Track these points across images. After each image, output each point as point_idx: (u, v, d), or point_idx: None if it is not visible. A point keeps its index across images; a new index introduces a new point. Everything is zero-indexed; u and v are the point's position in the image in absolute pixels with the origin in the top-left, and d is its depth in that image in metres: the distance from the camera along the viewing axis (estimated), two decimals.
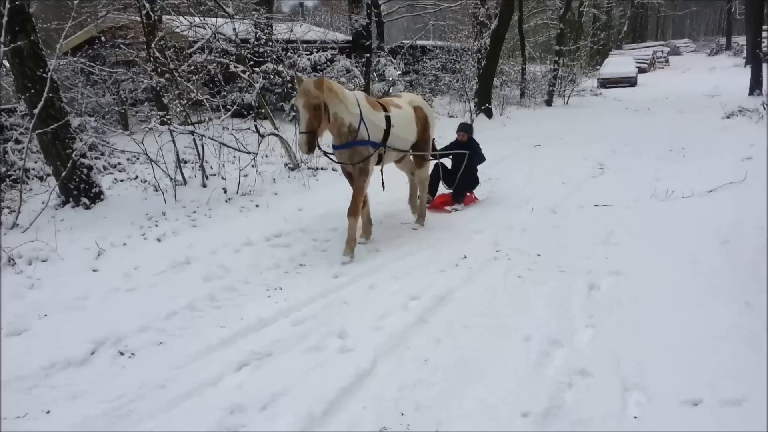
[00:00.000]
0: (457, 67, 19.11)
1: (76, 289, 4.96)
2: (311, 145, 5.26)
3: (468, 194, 7.87)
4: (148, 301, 4.70)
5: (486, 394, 3.33)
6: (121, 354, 3.96)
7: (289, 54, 13.51)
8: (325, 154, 6.07)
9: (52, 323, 4.41)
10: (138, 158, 10.80)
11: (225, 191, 7.94)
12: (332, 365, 3.67)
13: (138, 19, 11.60)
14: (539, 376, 3.50)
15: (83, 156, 7.63)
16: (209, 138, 8.07)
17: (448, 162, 8.14)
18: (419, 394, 3.36)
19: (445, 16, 25.40)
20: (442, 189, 8.03)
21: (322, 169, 9.72)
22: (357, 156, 5.72)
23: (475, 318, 4.29)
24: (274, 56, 11.46)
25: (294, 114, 12.54)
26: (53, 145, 7.39)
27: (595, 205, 7.39)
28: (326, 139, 6.04)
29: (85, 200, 7.52)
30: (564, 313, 4.34)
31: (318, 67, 14.07)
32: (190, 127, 8.11)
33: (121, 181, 9.65)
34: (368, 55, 17.49)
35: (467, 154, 7.66)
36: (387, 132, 5.97)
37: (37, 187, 8.80)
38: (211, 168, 9.07)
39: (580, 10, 27.03)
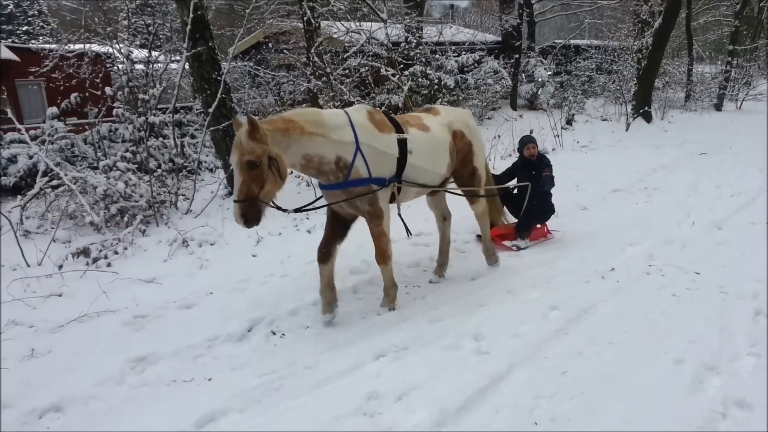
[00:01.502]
0: (614, 67, 18.09)
1: (239, 272, 5.49)
2: (249, 217, 3.78)
3: (538, 227, 6.41)
4: (298, 288, 5.06)
5: (629, 414, 3.16)
6: (273, 334, 4.33)
7: (436, 56, 13.69)
8: (298, 210, 4.53)
9: (217, 300, 4.92)
10: None
11: None
12: (467, 365, 3.70)
13: (300, 25, 12.47)
14: (690, 402, 3.25)
15: None
16: None
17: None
18: (556, 405, 3.27)
19: (603, 14, 24.12)
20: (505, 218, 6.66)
21: None
22: (357, 200, 4.25)
23: (622, 334, 4.07)
24: (423, 59, 11.68)
25: None
26: (224, 141, 8.20)
27: None
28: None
29: None
30: (723, 338, 3.96)
31: (465, 69, 14.08)
32: None
33: None
34: (517, 55, 17.17)
35: (535, 177, 6.15)
36: (402, 160, 4.40)
37: (207, 178, 9.84)
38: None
39: (761, 5, 24.18)
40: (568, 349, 3.88)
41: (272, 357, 3.97)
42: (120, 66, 9.51)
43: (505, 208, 6.56)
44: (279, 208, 4.18)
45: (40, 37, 31.31)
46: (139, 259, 6.08)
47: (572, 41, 21.63)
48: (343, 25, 11.56)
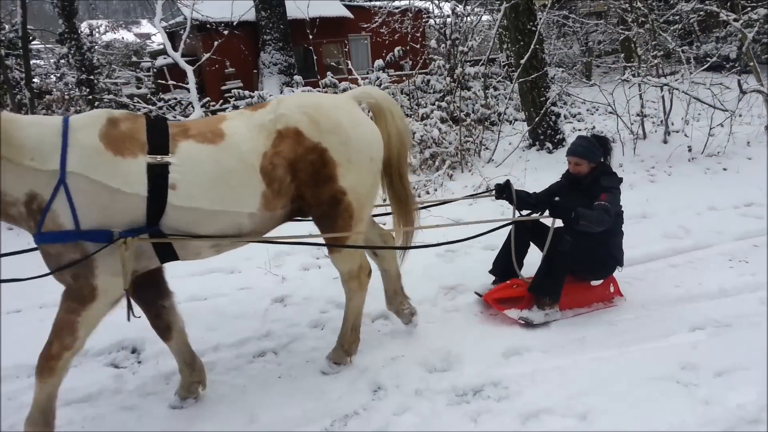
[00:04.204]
0: None
1: None
2: None
3: (594, 284, 4.04)
4: None
5: None
6: None
7: None
8: None
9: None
10: (597, 109, 11.08)
11: (689, 150, 7.47)
12: None
13: None
14: None
15: (554, 104, 8.29)
16: (683, 92, 7.62)
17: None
18: None
19: None
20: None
21: None
22: (49, 260, 2.61)
23: None
24: None
25: None
26: (530, 93, 8.26)
27: None
28: None
29: (548, 145, 8.24)
30: None
31: None
32: (664, 80, 7.81)
33: (579, 130, 10.11)
34: None
35: (573, 202, 3.83)
36: (157, 201, 2.63)
37: (507, 130, 10.04)
38: (672, 124, 8.59)
39: None
40: None
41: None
42: (436, 20, 10.15)
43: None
44: None
45: None
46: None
47: None
48: None
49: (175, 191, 2.63)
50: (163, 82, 11.45)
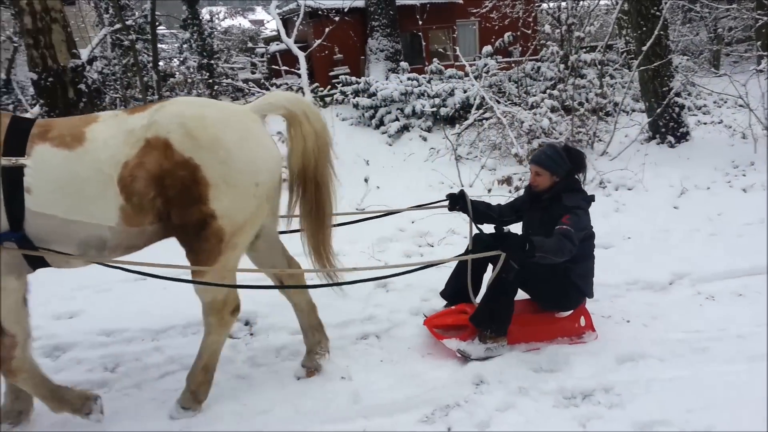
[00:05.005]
0: None
1: (658, 221, 5.28)
2: None
3: (561, 315, 3.58)
4: (730, 250, 4.56)
5: None
6: (699, 293, 4.03)
7: None
8: None
9: (634, 246, 4.83)
10: (725, 101, 10.24)
11: None
12: None
13: None
14: None
15: (677, 95, 7.73)
16: None
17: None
18: None
19: None
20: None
21: None
22: None
23: None
24: None
25: None
26: (652, 82, 7.74)
27: None
28: None
29: (670, 138, 7.70)
30: None
31: None
32: None
33: (704, 123, 9.39)
34: None
35: (530, 224, 3.63)
36: (13, 205, 2.50)
37: (624, 121, 9.48)
38: None
39: None
40: None
41: (697, 316, 3.71)
42: (550, 5, 9.76)
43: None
44: None
45: None
46: None
47: None
48: None
49: (30, 195, 2.50)
50: (276, 67, 11.89)
